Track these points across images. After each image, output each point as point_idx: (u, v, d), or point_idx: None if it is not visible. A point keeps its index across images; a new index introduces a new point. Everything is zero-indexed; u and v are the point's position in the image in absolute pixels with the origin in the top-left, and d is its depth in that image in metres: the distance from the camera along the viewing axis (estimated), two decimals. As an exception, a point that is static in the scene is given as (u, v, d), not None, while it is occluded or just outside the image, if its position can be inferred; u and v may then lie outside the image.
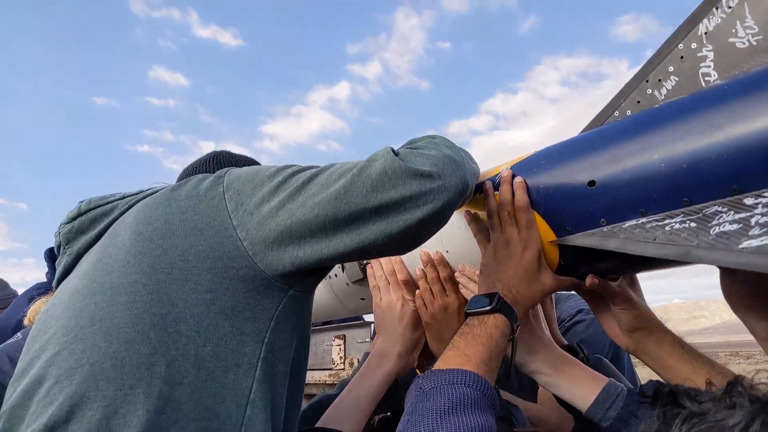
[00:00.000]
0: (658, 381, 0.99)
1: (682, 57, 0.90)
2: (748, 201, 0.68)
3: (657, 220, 0.77)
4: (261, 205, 0.81)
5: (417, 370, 1.31)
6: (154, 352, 0.72)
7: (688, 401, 0.55)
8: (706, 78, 0.87)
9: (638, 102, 0.94)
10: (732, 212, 0.67)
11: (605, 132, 0.90)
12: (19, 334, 1.66)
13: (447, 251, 1.12)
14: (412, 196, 0.76)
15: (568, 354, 1.06)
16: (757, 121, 0.69)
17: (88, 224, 0.94)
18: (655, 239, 0.72)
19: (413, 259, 1.17)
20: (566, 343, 1.26)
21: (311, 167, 0.86)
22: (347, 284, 1.35)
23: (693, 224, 0.70)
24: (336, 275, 1.37)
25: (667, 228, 0.73)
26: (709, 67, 0.86)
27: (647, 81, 0.94)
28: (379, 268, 1.22)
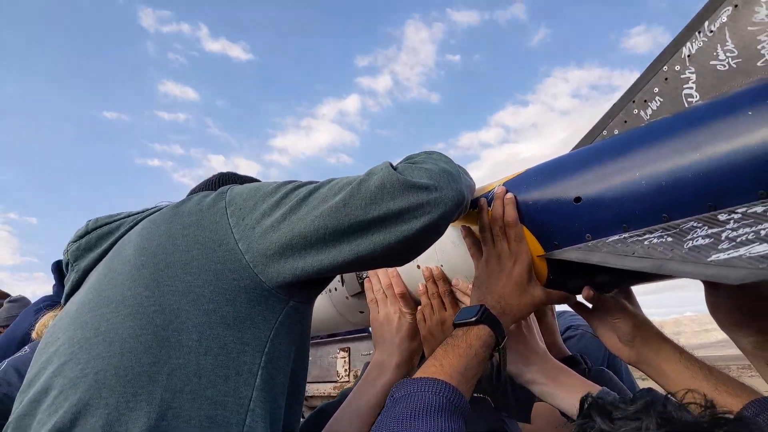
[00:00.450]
0: (648, 389, 1.01)
1: (666, 78, 0.93)
2: (722, 217, 0.70)
3: (638, 235, 0.79)
4: (263, 219, 0.84)
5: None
6: (156, 361, 0.74)
7: (599, 417, 0.56)
8: (689, 99, 0.90)
9: (625, 122, 0.98)
10: (706, 227, 0.70)
11: (592, 150, 0.93)
12: (26, 347, 1.68)
13: (442, 265, 1.15)
14: (410, 208, 0.79)
15: (562, 364, 1.08)
16: (730, 141, 0.72)
17: (95, 242, 0.97)
18: (634, 253, 0.75)
19: (410, 274, 1.21)
20: (569, 353, 1.28)
21: (311, 182, 0.89)
22: (347, 298, 1.38)
23: (670, 239, 0.73)
24: (336, 289, 1.40)
25: (646, 242, 0.76)
26: (692, 88, 0.90)
27: (634, 101, 0.97)
28: (377, 282, 1.25)
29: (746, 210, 0.69)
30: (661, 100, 0.93)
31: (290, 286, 0.84)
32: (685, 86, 0.90)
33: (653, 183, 0.79)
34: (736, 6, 0.86)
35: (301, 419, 1.06)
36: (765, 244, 0.58)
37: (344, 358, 2.36)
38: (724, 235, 0.65)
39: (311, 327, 0.98)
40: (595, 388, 0.98)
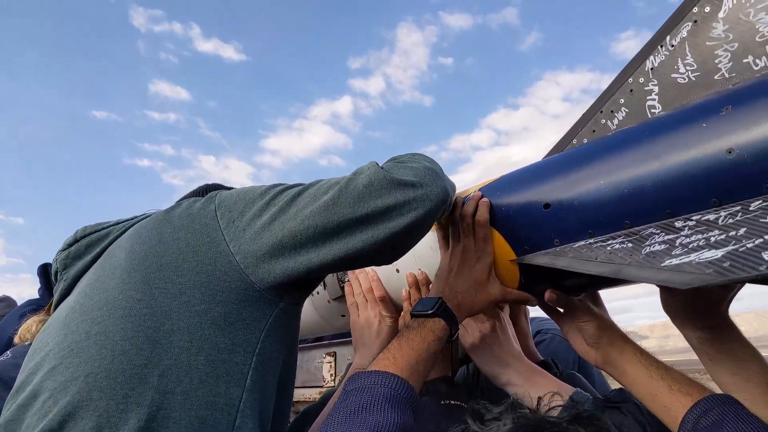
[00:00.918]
0: (621, 389, 1.04)
1: (631, 90, 0.97)
2: (678, 224, 0.74)
3: (602, 241, 0.83)
4: (253, 221, 0.86)
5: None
6: (148, 363, 0.75)
7: (471, 420, 0.62)
8: (652, 110, 0.94)
9: (593, 131, 1.01)
10: (663, 234, 0.74)
11: (561, 159, 0.97)
12: (8, 352, 1.66)
13: (419, 269, 1.18)
14: (397, 205, 0.82)
15: (537, 366, 1.11)
16: (686, 151, 0.76)
17: (84, 249, 0.98)
18: (596, 258, 0.78)
19: (389, 278, 1.23)
20: (541, 358, 1.31)
21: (299, 184, 0.91)
22: (328, 301, 1.40)
23: (630, 244, 0.76)
24: (318, 292, 1.42)
25: (608, 248, 0.79)
26: (655, 100, 0.94)
27: (601, 112, 1.01)
28: (357, 285, 1.28)
29: (700, 217, 0.72)
30: (627, 110, 0.97)
31: (280, 288, 0.86)
32: (648, 98, 0.94)
33: (616, 191, 0.83)
34: (695, 21, 0.90)
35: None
36: (713, 251, 0.62)
37: (330, 362, 2.37)
38: (678, 241, 0.69)
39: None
40: (568, 389, 1.02)
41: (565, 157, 0.96)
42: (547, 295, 0.97)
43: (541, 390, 1.04)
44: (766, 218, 0.62)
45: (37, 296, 2.34)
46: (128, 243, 0.91)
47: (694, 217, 0.74)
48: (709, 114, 0.76)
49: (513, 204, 0.99)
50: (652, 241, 0.73)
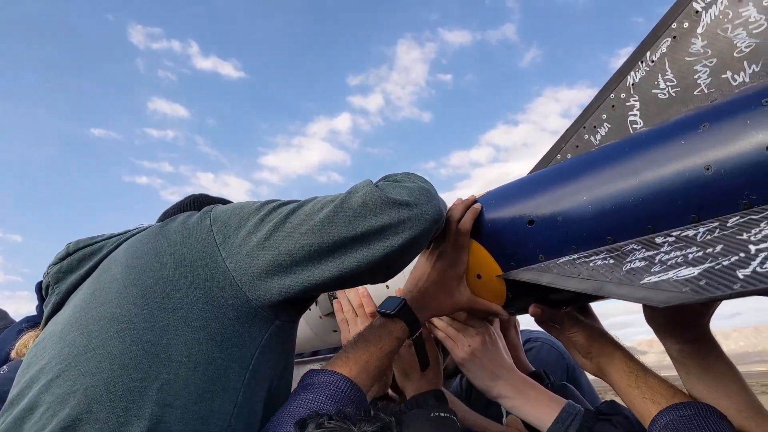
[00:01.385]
0: (612, 401, 1.05)
1: (613, 106, 0.98)
2: (658, 240, 0.75)
3: (585, 257, 0.83)
4: (248, 237, 0.86)
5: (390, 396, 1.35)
6: (146, 376, 0.75)
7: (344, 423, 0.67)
8: (634, 125, 0.95)
9: (577, 146, 1.02)
10: (644, 250, 0.74)
11: (545, 175, 0.98)
12: (5, 366, 1.67)
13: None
14: (392, 224, 0.83)
15: (528, 378, 1.11)
16: (665, 167, 0.77)
17: (77, 264, 0.97)
18: (579, 275, 0.79)
19: (379, 294, 1.23)
20: (533, 369, 1.31)
21: (293, 201, 0.91)
22: (320, 317, 1.40)
23: (612, 261, 0.77)
24: (309, 308, 1.42)
25: (591, 264, 0.80)
26: (636, 115, 0.95)
27: (584, 127, 1.02)
28: (347, 302, 1.28)
29: (680, 233, 0.73)
30: (609, 126, 0.98)
31: (277, 305, 0.86)
32: (630, 113, 0.95)
33: (598, 207, 0.84)
34: (674, 37, 0.91)
35: None
36: (690, 268, 0.62)
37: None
38: (657, 258, 0.69)
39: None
40: (560, 401, 1.02)
41: (550, 173, 0.97)
42: (532, 309, 0.97)
43: (533, 402, 1.04)
44: (742, 235, 0.63)
45: (34, 313, 2.33)
46: (124, 257, 0.91)
47: (673, 233, 0.74)
48: (687, 131, 0.77)
49: (498, 220, 1.00)
50: (633, 258, 0.74)
